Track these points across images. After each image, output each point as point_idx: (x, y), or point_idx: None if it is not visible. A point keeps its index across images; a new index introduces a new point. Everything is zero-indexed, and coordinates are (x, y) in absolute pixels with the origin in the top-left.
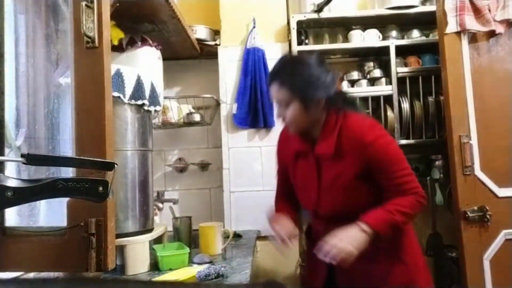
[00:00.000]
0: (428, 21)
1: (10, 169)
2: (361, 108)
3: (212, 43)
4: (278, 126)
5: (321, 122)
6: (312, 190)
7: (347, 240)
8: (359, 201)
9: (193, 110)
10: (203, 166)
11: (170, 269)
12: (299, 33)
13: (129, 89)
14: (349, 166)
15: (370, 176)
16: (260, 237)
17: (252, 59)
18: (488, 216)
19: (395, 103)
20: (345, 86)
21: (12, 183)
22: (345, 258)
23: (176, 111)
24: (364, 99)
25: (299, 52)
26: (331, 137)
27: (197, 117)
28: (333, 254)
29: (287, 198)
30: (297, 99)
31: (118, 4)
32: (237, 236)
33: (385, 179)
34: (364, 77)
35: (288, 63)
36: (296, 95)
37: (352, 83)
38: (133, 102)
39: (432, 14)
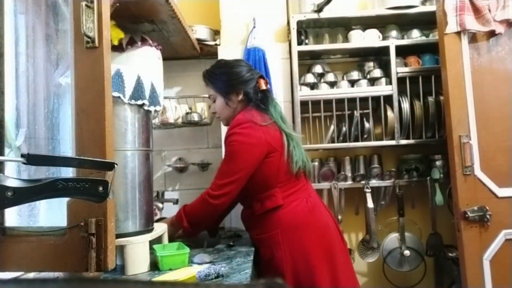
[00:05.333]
0: (428, 21)
1: (10, 169)
2: (271, 107)
3: (212, 43)
4: None
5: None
6: None
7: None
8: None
9: (200, 109)
10: (203, 166)
11: (170, 269)
12: (299, 33)
13: (129, 89)
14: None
15: None
16: None
17: (252, 59)
18: (488, 216)
19: (395, 103)
20: (345, 86)
21: (12, 183)
22: None
23: (174, 111)
24: (364, 99)
25: (299, 52)
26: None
27: (195, 117)
28: None
29: None
30: (219, 95)
31: (118, 4)
32: (237, 236)
33: None
34: (364, 77)
35: (213, 65)
36: (217, 91)
37: (352, 83)
38: (133, 102)
39: (432, 14)
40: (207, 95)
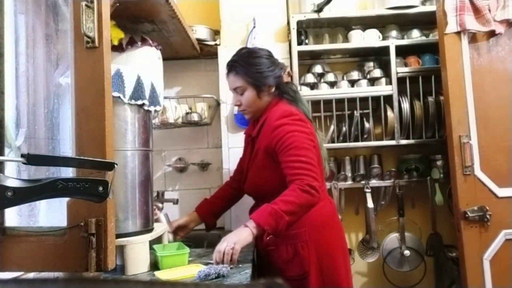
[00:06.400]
0: (428, 21)
1: (10, 169)
2: (298, 100)
3: (212, 43)
4: None
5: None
6: (244, 169)
7: (230, 240)
8: (272, 180)
9: (200, 109)
10: (203, 166)
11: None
12: (299, 33)
13: (129, 89)
14: (262, 147)
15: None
16: None
17: None
18: (488, 216)
19: (395, 103)
20: (345, 86)
21: (12, 183)
22: (230, 256)
23: (174, 111)
24: (364, 99)
25: (299, 52)
26: (261, 121)
27: (195, 117)
28: (220, 258)
29: (231, 185)
30: (250, 86)
31: (118, 4)
32: None
33: (281, 164)
34: (364, 77)
35: (243, 55)
36: (250, 82)
37: (352, 83)
38: (133, 102)
39: (432, 14)
40: (207, 95)
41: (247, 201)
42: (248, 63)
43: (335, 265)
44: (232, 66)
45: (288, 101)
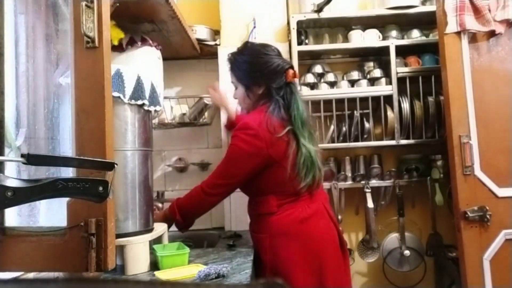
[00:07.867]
0: (428, 21)
1: (10, 169)
2: (293, 107)
3: (212, 43)
4: None
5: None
6: None
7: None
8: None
9: (206, 111)
10: (203, 166)
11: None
12: (299, 33)
13: (129, 89)
14: None
15: None
16: None
17: None
18: (488, 216)
19: (395, 103)
20: (345, 86)
21: (12, 183)
22: None
23: (170, 111)
24: (364, 99)
25: (299, 52)
26: None
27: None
28: None
29: None
30: (240, 84)
31: (118, 4)
32: (237, 236)
33: None
34: (364, 77)
35: (241, 51)
36: (239, 80)
37: (352, 83)
38: (133, 102)
39: (432, 14)
40: (207, 95)
41: (247, 201)
42: (239, 60)
43: (291, 277)
44: (228, 61)
45: (272, 108)
